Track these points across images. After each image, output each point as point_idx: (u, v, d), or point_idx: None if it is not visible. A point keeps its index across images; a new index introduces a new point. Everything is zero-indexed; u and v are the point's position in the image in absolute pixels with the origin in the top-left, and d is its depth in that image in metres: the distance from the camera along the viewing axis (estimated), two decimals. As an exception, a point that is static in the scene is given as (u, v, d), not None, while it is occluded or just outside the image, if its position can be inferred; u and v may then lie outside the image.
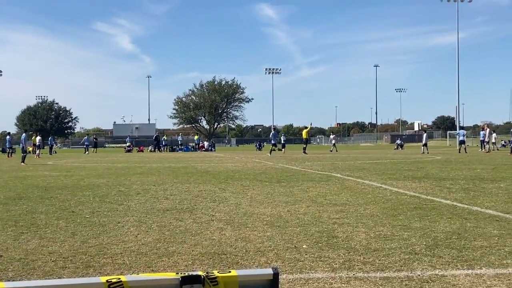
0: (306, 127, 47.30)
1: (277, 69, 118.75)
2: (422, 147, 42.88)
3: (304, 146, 45.01)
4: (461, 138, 44.31)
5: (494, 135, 45.09)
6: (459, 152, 42.21)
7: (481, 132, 47.28)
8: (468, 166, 22.33)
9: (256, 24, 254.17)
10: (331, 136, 54.76)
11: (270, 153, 40.53)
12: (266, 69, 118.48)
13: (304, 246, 6.50)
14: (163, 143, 66.16)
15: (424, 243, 6.57)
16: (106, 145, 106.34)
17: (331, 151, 48.82)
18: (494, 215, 8.71)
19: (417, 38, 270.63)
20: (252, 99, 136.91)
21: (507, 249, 6.18)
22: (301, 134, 59.63)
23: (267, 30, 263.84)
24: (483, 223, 7.93)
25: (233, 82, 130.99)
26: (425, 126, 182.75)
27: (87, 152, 53.49)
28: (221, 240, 6.90)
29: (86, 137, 59.32)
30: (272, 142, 44.23)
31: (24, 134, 32.64)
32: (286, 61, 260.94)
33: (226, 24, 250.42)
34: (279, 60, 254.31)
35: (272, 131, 47.61)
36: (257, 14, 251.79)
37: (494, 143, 50.06)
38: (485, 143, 44.33)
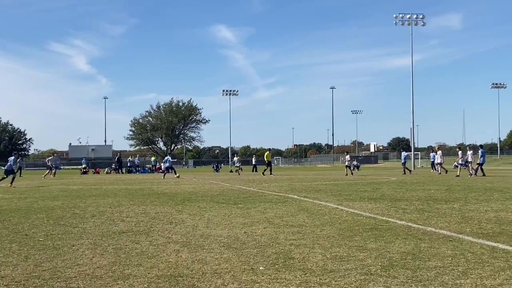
0: (267, 150, 47.62)
1: (234, 90, 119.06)
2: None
3: (266, 168, 45.06)
4: (402, 160, 45.81)
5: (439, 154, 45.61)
6: (404, 173, 43.04)
7: (431, 154, 47.94)
8: (422, 187, 22.68)
9: (214, 45, 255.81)
10: (347, 157, 45.90)
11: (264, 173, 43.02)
12: (223, 90, 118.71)
13: (261, 268, 6.49)
14: (128, 164, 65.46)
15: (380, 263, 6.63)
16: (62, 167, 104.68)
17: (347, 175, 43.25)
18: (448, 235, 8.85)
19: (373, 60, 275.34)
20: (209, 120, 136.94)
21: (460, 269, 6.27)
22: (262, 156, 59.21)
23: (225, 52, 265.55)
24: (437, 243, 8.04)
25: (190, 103, 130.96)
26: (381, 147, 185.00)
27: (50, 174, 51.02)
28: (178, 262, 6.84)
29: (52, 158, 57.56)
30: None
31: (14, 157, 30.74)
32: (243, 83, 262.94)
33: (184, 46, 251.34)
34: (237, 82, 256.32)
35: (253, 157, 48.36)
36: (215, 36, 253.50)
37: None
38: (436, 165, 45.12)
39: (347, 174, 43.06)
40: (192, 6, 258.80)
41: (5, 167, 29.22)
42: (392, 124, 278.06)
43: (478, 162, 36.33)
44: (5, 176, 28.81)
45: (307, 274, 6.14)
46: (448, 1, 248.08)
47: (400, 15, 79.28)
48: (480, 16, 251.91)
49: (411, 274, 6.08)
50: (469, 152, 37.91)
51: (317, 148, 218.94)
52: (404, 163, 46.14)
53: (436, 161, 45.02)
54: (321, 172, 56.24)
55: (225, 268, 6.50)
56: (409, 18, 79.05)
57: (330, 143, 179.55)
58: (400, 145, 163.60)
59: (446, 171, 42.84)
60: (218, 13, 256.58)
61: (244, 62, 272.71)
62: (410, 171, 43.09)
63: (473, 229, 9.51)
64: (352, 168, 47.35)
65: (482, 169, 35.79)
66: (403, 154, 47.69)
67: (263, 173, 43.13)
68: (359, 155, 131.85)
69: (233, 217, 11.91)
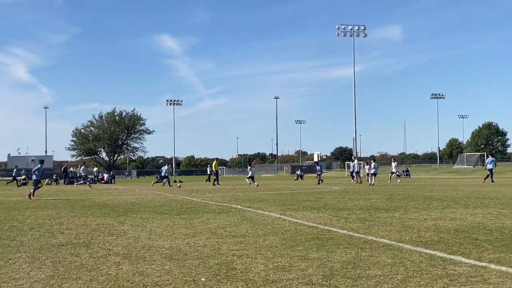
0: (214, 160, 47.48)
1: (178, 100, 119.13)
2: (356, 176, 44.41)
3: (215, 177, 44.86)
4: (351, 169, 46.60)
5: (357, 164, 46.40)
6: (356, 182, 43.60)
7: (351, 164, 48.13)
8: (364, 196, 23.00)
9: (158, 55, 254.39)
10: (373, 164, 40.00)
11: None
12: (167, 100, 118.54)
13: (202, 279, 6.45)
14: (70, 175, 64.09)
15: (321, 273, 6.68)
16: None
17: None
18: (388, 244, 8.99)
19: (317, 71, 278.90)
20: (153, 131, 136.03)
21: (399, 277, 6.37)
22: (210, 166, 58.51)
23: (169, 61, 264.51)
24: (378, 252, 8.15)
25: (134, 113, 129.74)
26: (324, 157, 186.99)
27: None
28: (118, 275, 6.74)
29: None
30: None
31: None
32: (188, 92, 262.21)
33: (128, 55, 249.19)
34: (181, 91, 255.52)
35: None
36: (159, 45, 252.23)
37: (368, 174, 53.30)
38: (355, 174, 45.67)
39: (358, 182, 43.42)
40: (136, 15, 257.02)
41: None
42: (336, 134, 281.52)
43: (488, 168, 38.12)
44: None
45: (249, 285, 6.13)
46: (389, 13, 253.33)
47: (342, 26, 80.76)
48: (419, 29, 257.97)
49: (352, 283, 6.14)
50: (393, 164, 38.96)
51: (261, 158, 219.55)
52: (354, 172, 46.35)
53: (355, 170, 45.75)
54: (265, 182, 56.37)
55: (166, 280, 6.44)
56: (351, 29, 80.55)
57: (274, 152, 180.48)
58: (343, 154, 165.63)
59: (361, 182, 43.42)
60: (162, 22, 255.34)
61: (188, 72, 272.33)
62: (358, 180, 43.56)
63: (412, 238, 9.68)
64: (364, 175, 46.46)
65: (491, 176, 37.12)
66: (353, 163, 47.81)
67: (217, 183, 43.08)
68: (303, 165, 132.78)
69: (175, 228, 11.82)
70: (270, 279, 6.39)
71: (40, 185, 27.59)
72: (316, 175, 46.23)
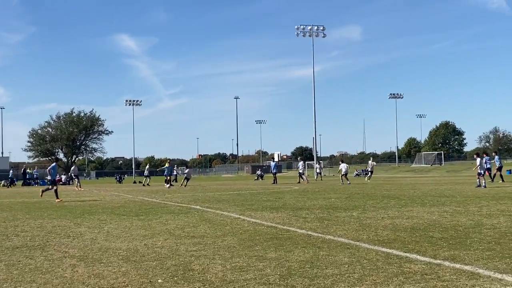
0: (167, 161, 47.17)
1: (137, 100, 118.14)
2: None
3: (170, 178, 44.52)
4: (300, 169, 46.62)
5: (301, 165, 46.90)
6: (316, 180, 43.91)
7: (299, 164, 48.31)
8: (323, 195, 23.14)
9: (117, 55, 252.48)
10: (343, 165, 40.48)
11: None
12: (126, 100, 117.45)
13: (159, 281, 6.40)
14: (27, 176, 63.05)
15: (278, 273, 6.68)
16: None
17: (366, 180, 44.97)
18: (346, 243, 9.05)
19: (277, 71, 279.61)
20: (112, 131, 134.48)
21: (356, 276, 6.41)
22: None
23: (128, 62, 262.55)
24: (335, 251, 8.20)
25: (92, 114, 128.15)
26: (285, 156, 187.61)
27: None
28: (73, 278, 6.64)
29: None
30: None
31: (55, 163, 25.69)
32: (147, 93, 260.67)
33: (86, 55, 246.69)
34: (141, 92, 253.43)
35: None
36: (118, 45, 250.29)
37: (319, 173, 56.65)
38: (303, 175, 45.86)
39: (299, 182, 43.78)
40: (94, 15, 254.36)
41: None
42: (296, 134, 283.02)
43: (497, 167, 36.65)
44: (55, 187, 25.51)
45: (206, 286, 6.10)
46: (349, 13, 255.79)
47: (302, 27, 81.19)
48: (379, 29, 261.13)
49: (309, 282, 6.15)
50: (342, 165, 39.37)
51: (222, 158, 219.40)
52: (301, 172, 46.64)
53: (299, 170, 46.08)
54: (225, 182, 56.34)
55: (123, 282, 6.36)
56: (310, 29, 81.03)
57: (235, 153, 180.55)
58: (303, 154, 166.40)
59: (299, 181, 43.90)
60: (121, 22, 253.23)
61: (148, 72, 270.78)
62: (316, 179, 43.91)
63: (369, 236, 9.76)
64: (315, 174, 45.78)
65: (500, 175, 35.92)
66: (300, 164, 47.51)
67: (170, 184, 42.77)
68: (263, 165, 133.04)
69: (133, 229, 11.72)
70: (228, 280, 6.37)
71: (56, 187, 24.11)
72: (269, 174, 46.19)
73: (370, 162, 46.11)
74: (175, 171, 53.54)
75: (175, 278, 6.51)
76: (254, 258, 7.71)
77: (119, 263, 7.56)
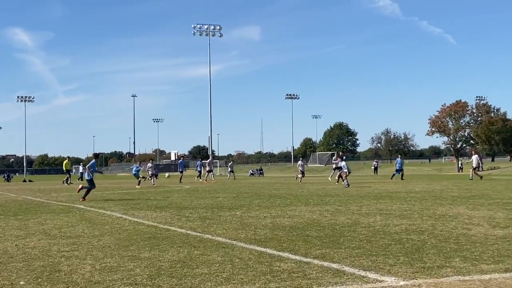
0: (66, 158, 45.89)
1: (30, 97, 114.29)
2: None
3: (68, 176, 43.28)
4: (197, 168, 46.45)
5: (200, 164, 47.50)
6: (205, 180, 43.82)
7: (198, 163, 48.55)
8: (212, 194, 23.19)
9: (9, 49, 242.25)
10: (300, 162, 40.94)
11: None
12: (18, 96, 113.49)
13: (21, 283, 6.19)
14: None
15: (148, 273, 6.61)
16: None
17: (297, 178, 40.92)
18: (223, 242, 9.08)
19: (175, 69, 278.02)
20: (0, 128, 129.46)
21: (224, 275, 6.43)
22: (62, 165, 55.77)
23: (21, 56, 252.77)
24: (210, 250, 8.21)
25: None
26: (182, 155, 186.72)
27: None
28: None
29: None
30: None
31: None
32: (41, 89, 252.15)
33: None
34: (34, 88, 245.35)
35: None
36: (10, 39, 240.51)
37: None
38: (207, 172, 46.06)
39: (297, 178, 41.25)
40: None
41: None
42: (193, 132, 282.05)
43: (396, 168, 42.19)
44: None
45: (70, 287, 5.95)
46: (248, 14, 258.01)
47: (198, 26, 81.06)
48: (277, 30, 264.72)
49: (176, 282, 6.13)
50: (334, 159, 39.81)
51: (118, 157, 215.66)
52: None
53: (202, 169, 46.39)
54: (119, 181, 55.36)
55: (-19, 284, 6.11)
56: (207, 28, 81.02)
57: (132, 151, 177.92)
58: (201, 153, 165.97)
59: (205, 180, 44.03)
60: (14, 15, 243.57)
61: (42, 67, 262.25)
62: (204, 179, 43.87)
63: (248, 235, 9.84)
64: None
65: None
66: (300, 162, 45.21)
67: (69, 182, 41.53)
68: (160, 163, 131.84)
69: (7, 229, 11.31)
70: (94, 281, 6.24)
71: (94, 186, 21.38)
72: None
73: (299, 162, 42.83)
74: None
75: (39, 280, 6.31)
76: (127, 258, 7.60)
77: (-17, 265, 7.25)
